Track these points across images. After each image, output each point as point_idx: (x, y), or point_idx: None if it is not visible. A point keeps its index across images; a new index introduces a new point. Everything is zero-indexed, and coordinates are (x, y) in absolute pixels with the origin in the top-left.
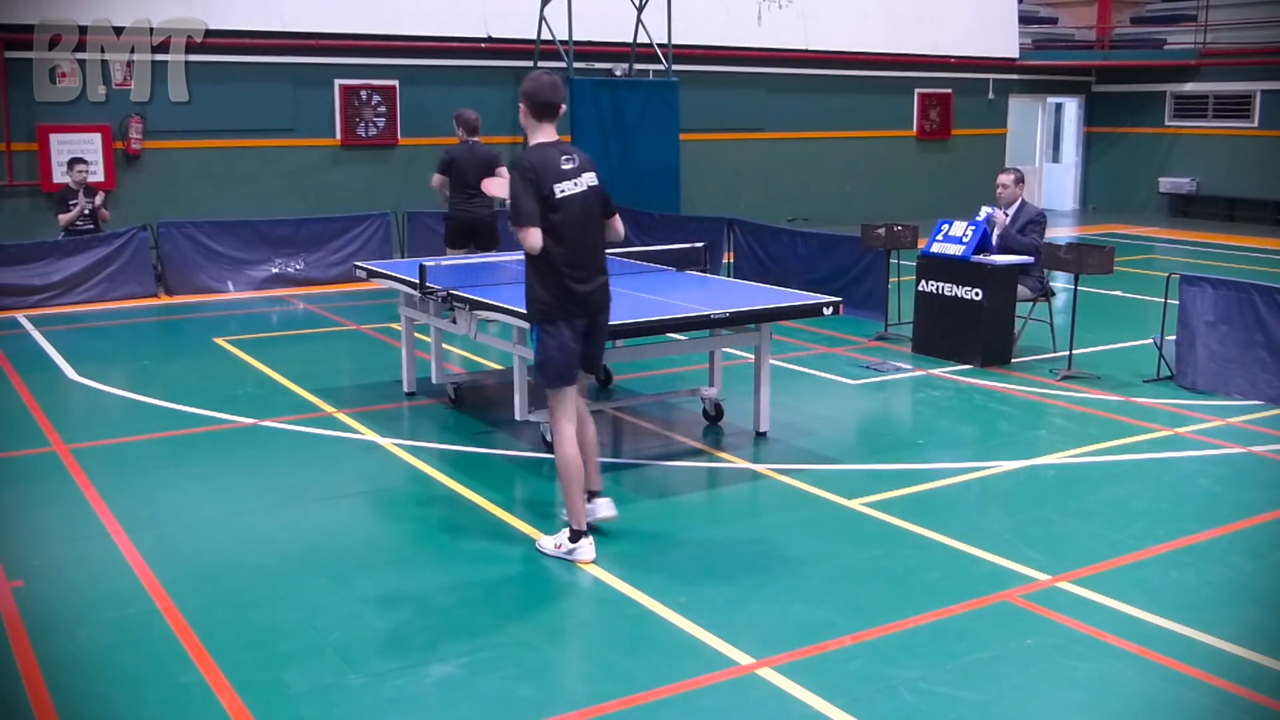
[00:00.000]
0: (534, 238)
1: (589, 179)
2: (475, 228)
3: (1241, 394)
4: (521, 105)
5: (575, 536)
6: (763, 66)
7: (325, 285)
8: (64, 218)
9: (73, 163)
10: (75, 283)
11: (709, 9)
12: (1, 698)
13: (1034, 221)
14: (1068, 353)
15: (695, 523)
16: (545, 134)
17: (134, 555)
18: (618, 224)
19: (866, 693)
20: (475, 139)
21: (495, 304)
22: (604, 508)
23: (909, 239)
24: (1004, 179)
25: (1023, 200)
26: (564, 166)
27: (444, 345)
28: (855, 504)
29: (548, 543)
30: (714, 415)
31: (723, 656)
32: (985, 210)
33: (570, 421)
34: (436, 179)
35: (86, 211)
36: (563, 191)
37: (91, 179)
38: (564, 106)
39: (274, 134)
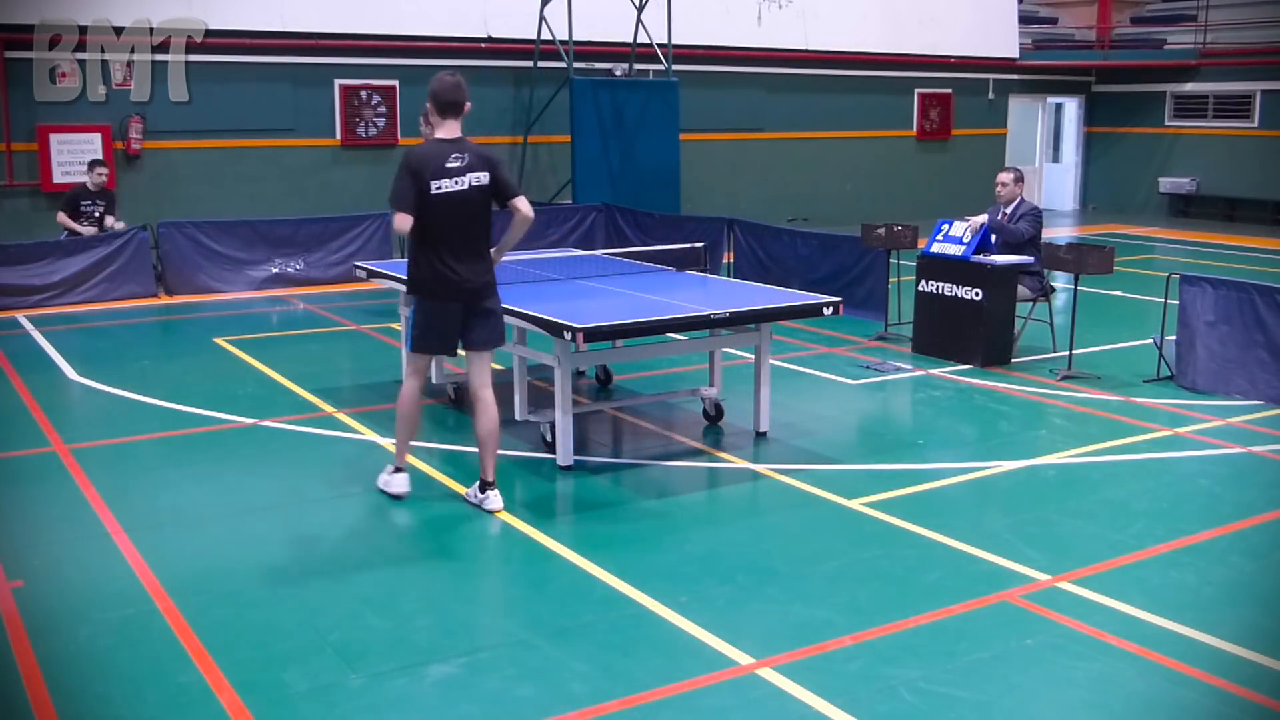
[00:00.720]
0: (401, 221)
1: (476, 178)
2: None
3: (1241, 394)
4: (428, 103)
5: (396, 470)
6: (763, 66)
7: (325, 285)
8: (67, 224)
9: (93, 164)
10: (75, 283)
11: (709, 9)
12: (1, 698)
13: (1029, 213)
14: (1068, 353)
15: (695, 523)
16: (446, 130)
17: (134, 555)
18: (521, 205)
19: (866, 693)
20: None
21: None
22: (493, 500)
23: (909, 239)
24: (1003, 177)
25: (1022, 199)
26: (448, 164)
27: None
28: (855, 504)
29: (382, 476)
30: (714, 415)
31: (723, 656)
32: (977, 221)
33: (414, 379)
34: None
35: (96, 215)
36: (439, 188)
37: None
38: (467, 105)
39: (274, 134)
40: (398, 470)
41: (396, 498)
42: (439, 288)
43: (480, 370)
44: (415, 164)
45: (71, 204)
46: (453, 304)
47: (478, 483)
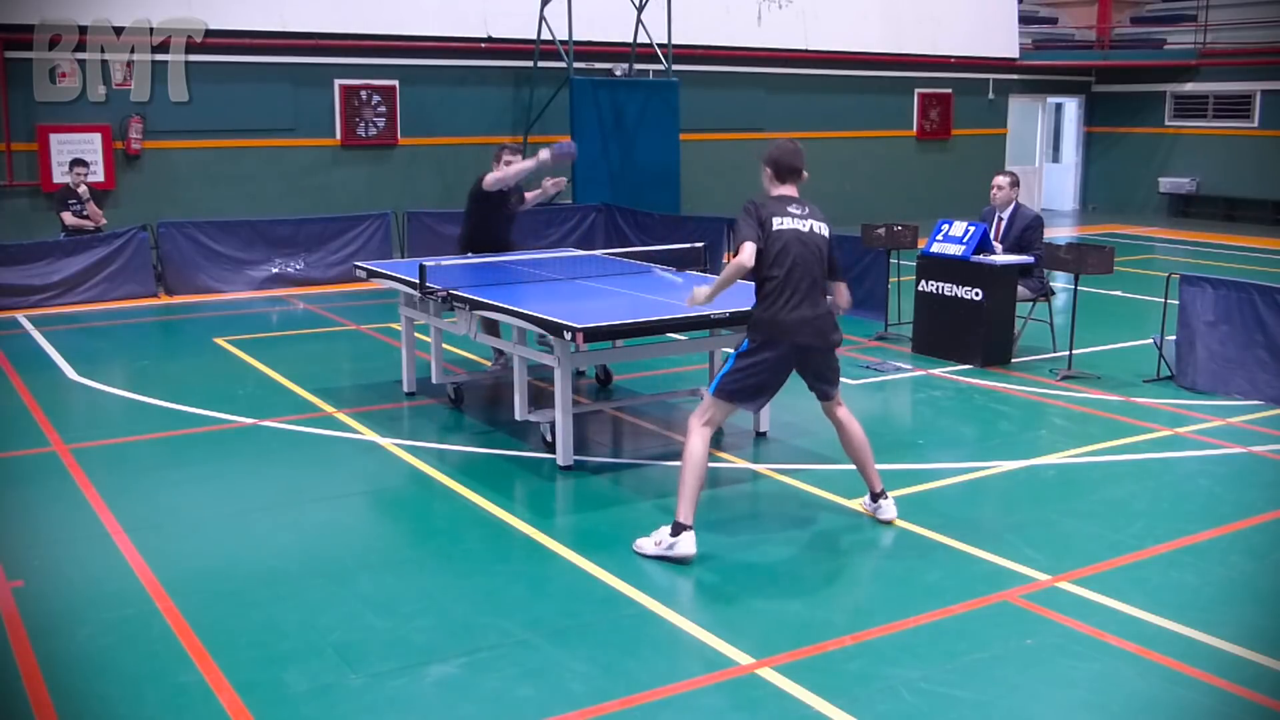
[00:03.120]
0: (747, 253)
1: (818, 225)
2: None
3: (1241, 394)
4: (766, 169)
5: (677, 530)
6: (763, 66)
7: (325, 285)
8: (68, 219)
9: (74, 163)
10: (75, 283)
11: (709, 9)
12: (1, 698)
13: (1031, 227)
14: (1068, 353)
15: (696, 523)
16: (785, 191)
17: (134, 555)
18: (843, 291)
19: (866, 693)
20: None
21: (495, 304)
22: (886, 509)
23: (909, 239)
24: (999, 180)
25: (1017, 203)
26: (790, 209)
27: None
28: (855, 504)
29: (646, 543)
30: None
31: (723, 656)
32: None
33: (710, 427)
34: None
35: (85, 213)
36: (781, 225)
37: (91, 179)
38: (805, 174)
39: (274, 134)
40: (685, 529)
41: (682, 560)
42: (775, 331)
43: (833, 402)
44: (756, 203)
45: (62, 203)
46: (787, 349)
47: (867, 494)
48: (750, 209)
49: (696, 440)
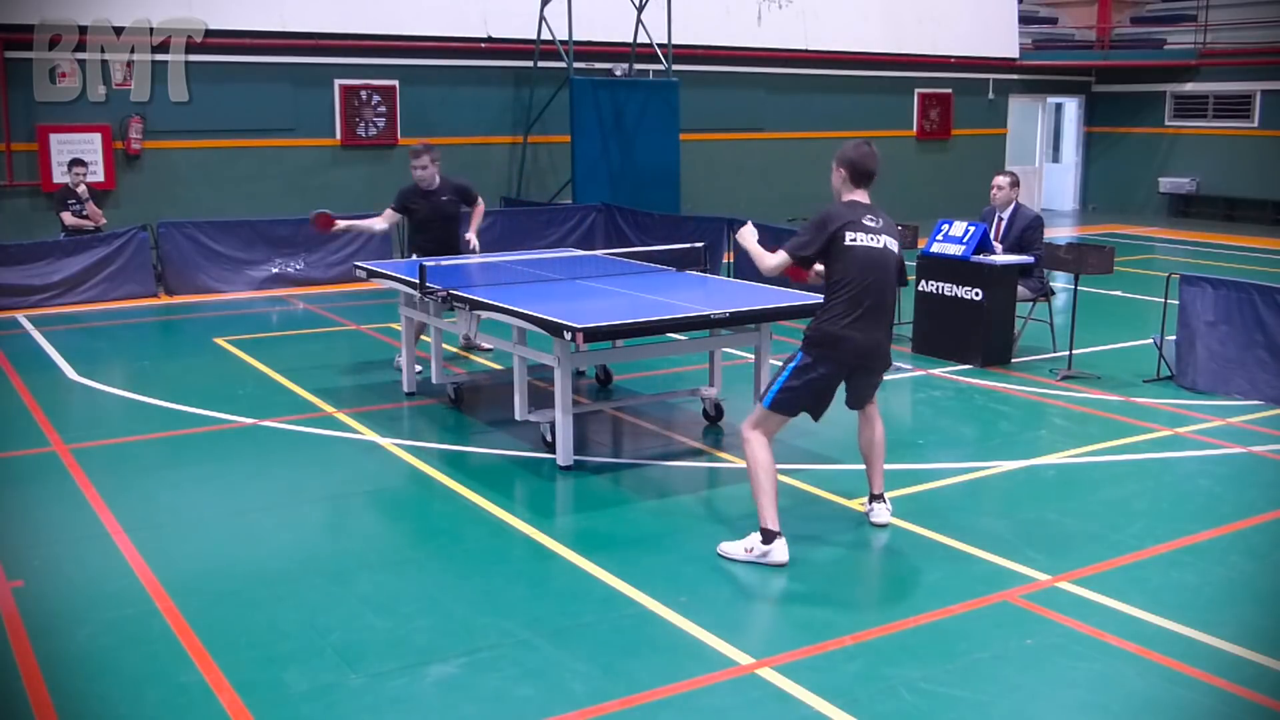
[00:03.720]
0: (780, 264)
1: (890, 241)
2: None
3: (1241, 394)
4: (841, 170)
5: (769, 538)
6: (763, 66)
7: (325, 285)
8: (68, 219)
9: (73, 163)
10: (75, 283)
11: (709, 9)
12: (1, 698)
13: (1031, 227)
14: (1068, 353)
15: (695, 523)
16: (859, 196)
17: (134, 555)
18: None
19: (866, 693)
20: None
21: (495, 304)
22: (879, 513)
23: (909, 239)
24: (999, 181)
25: (1018, 203)
26: (866, 221)
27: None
28: (855, 504)
29: (734, 548)
30: (714, 415)
31: (723, 656)
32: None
33: (767, 435)
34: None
35: (84, 213)
36: (854, 240)
37: (91, 179)
38: (876, 175)
39: (274, 134)
40: (775, 536)
41: (779, 566)
42: (831, 350)
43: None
44: (832, 213)
45: (62, 203)
46: (842, 368)
47: (867, 496)
48: (825, 220)
49: (757, 445)
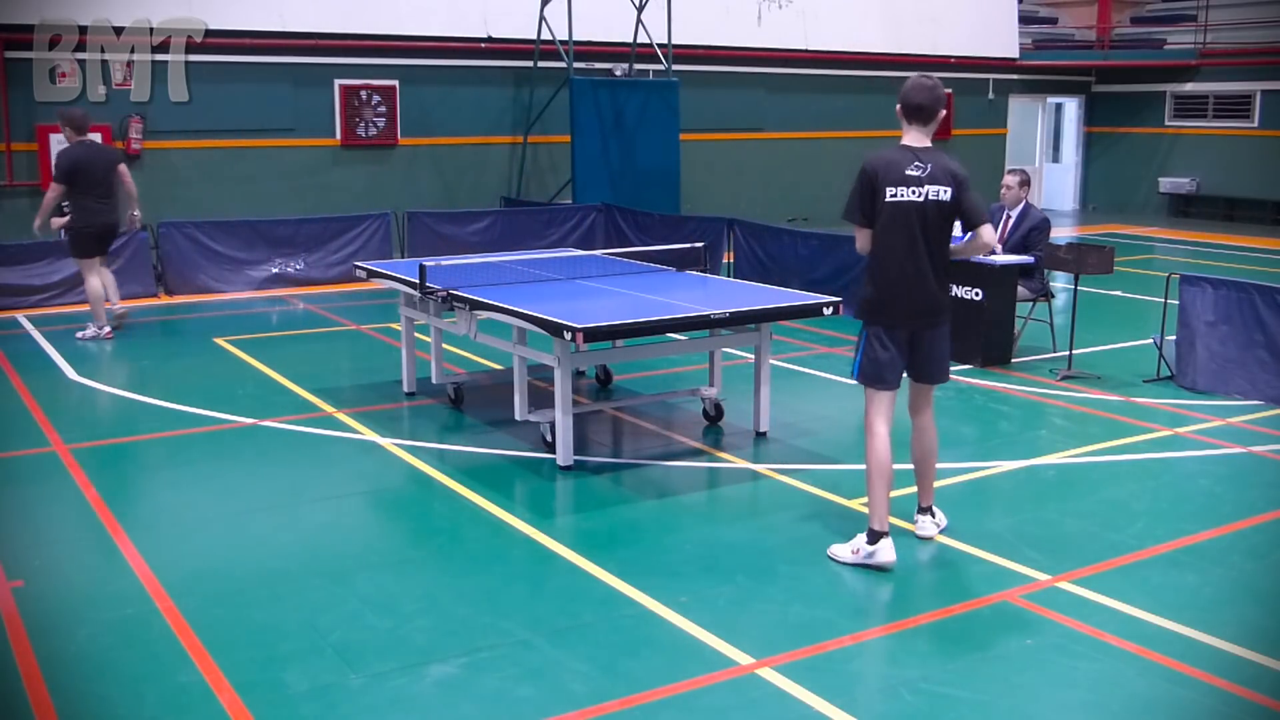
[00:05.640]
0: (861, 238)
1: (936, 191)
2: (107, 233)
3: (1241, 394)
4: (898, 107)
5: (874, 538)
6: (763, 66)
7: (325, 285)
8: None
9: None
10: (75, 283)
11: (709, 9)
12: (1, 698)
13: (1037, 228)
14: (1068, 353)
15: (695, 523)
16: (912, 138)
17: (134, 555)
18: (985, 234)
19: (866, 693)
20: (87, 138)
21: (495, 304)
22: (924, 526)
23: None
24: (1009, 180)
25: (1027, 203)
26: (908, 171)
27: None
28: (855, 504)
29: (843, 550)
30: (714, 415)
31: (723, 656)
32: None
33: (881, 421)
34: (56, 191)
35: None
36: (894, 196)
37: None
38: (942, 111)
39: (274, 134)
40: (882, 536)
41: (882, 568)
42: (886, 311)
43: (923, 401)
44: (870, 172)
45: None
46: (901, 329)
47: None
48: (864, 178)
49: (876, 442)
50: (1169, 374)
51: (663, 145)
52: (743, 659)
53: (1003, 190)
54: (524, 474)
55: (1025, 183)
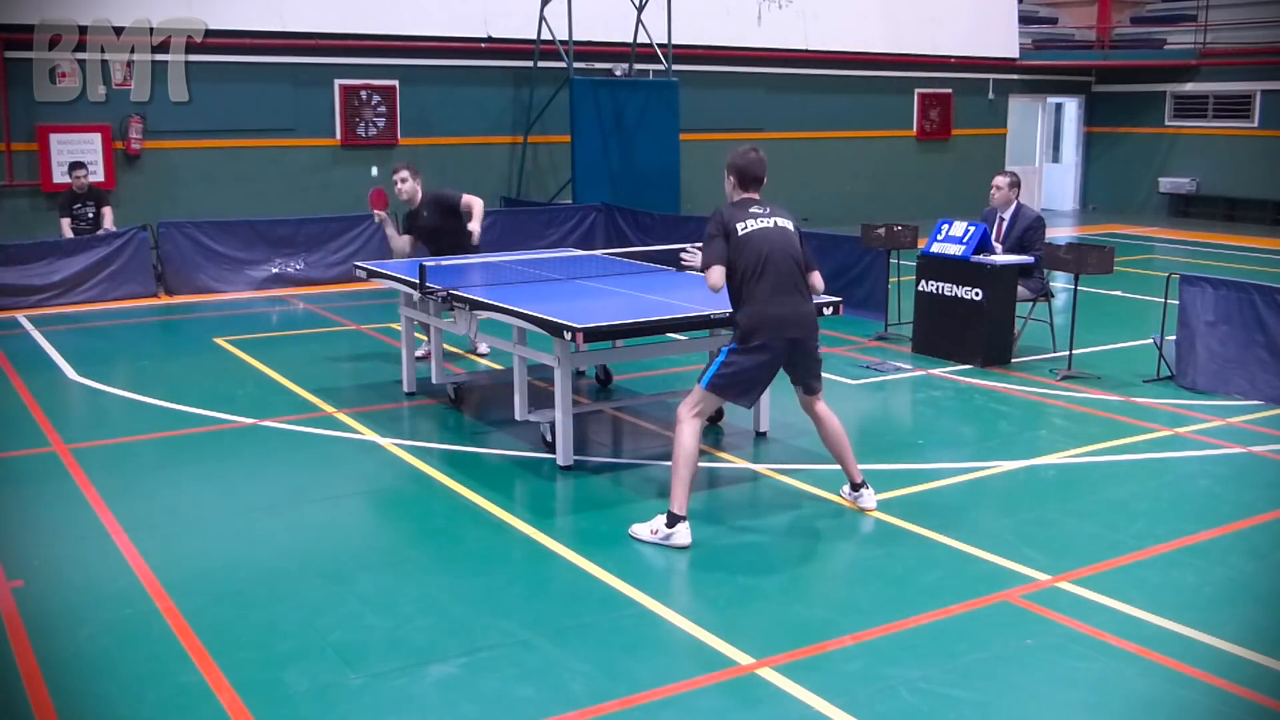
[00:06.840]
0: (715, 276)
1: (780, 221)
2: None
3: (1241, 394)
4: (730, 177)
5: (673, 521)
6: (763, 66)
7: (325, 285)
8: (65, 231)
9: (73, 166)
10: (75, 283)
11: (709, 9)
12: (1, 698)
13: (1032, 228)
14: (1068, 353)
15: (695, 523)
16: (747, 196)
17: (134, 555)
18: (816, 281)
19: (866, 693)
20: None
21: (495, 304)
22: (866, 498)
23: (909, 239)
24: (999, 181)
25: (1019, 204)
26: (751, 210)
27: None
28: (852, 502)
29: (643, 529)
30: (714, 415)
31: (723, 656)
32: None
33: (701, 419)
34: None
35: (90, 215)
36: (745, 227)
37: (91, 179)
38: (764, 180)
39: (274, 134)
40: (680, 520)
41: (679, 548)
42: (762, 328)
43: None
44: (720, 217)
45: (65, 208)
46: (776, 349)
47: (847, 485)
48: (715, 221)
49: (687, 431)
50: (1169, 374)
51: (663, 145)
52: (743, 659)
53: (993, 192)
54: (524, 474)
55: (1015, 184)
